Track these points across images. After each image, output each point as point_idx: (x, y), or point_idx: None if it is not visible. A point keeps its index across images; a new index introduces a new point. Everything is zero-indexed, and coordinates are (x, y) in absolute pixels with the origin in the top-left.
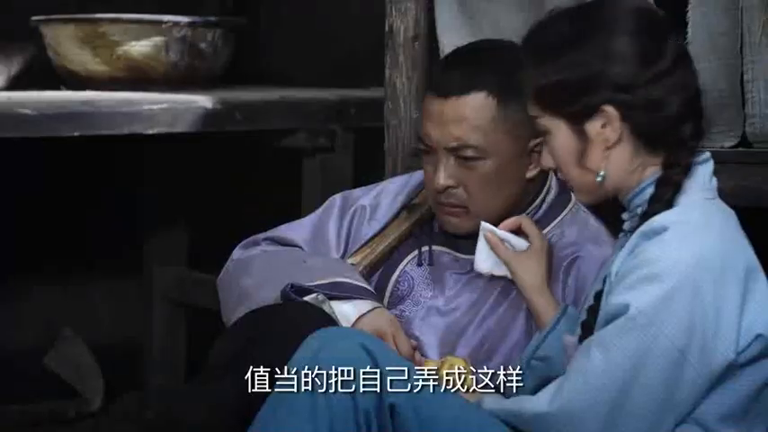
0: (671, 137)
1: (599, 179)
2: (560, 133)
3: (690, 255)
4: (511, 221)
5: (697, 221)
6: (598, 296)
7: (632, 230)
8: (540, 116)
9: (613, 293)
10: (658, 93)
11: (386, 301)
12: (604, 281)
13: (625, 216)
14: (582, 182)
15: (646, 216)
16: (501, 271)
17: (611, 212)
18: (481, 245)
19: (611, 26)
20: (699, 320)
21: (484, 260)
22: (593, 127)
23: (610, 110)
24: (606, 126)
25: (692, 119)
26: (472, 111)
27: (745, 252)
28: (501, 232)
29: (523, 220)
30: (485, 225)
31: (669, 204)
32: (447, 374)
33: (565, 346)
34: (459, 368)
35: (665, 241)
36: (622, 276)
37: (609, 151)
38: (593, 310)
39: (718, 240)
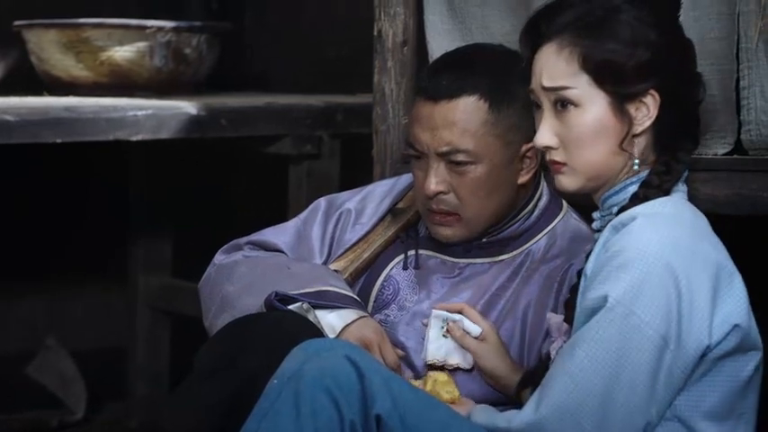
0: (680, 137)
1: (635, 167)
2: (596, 108)
3: (660, 239)
4: (453, 306)
5: (668, 213)
6: (580, 273)
7: (601, 229)
8: (575, 87)
9: (590, 289)
10: (694, 79)
11: (370, 305)
12: (579, 275)
13: (596, 215)
14: (590, 162)
15: (640, 198)
16: (455, 359)
17: None
18: (433, 333)
19: (664, 16)
20: (674, 303)
21: (436, 349)
22: (633, 109)
23: (656, 95)
24: (643, 111)
25: (698, 123)
26: (463, 114)
27: (717, 250)
28: (454, 316)
29: (464, 307)
30: (437, 312)
31: (667, 192)
32: (431, 390)
33: (549, 326)
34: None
35: (634, 230)
36: (597, 271)
37: (637, 138)
38: (576, 288)
39: (689, 232)
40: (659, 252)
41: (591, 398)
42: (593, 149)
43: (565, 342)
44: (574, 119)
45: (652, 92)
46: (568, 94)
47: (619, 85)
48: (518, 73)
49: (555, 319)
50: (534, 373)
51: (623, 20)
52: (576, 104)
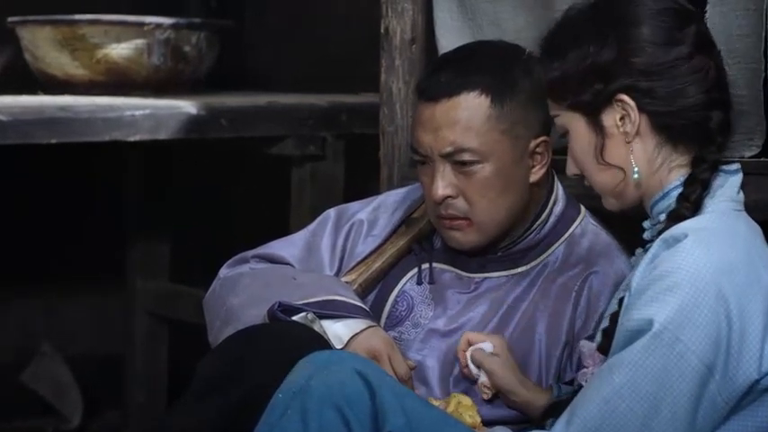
0: (695, 130)
1: (635, 176)
2: (578, 128)
3: (712, 262)
4: (462, 342)
5: (722, 229)
6: (621, 302)
7: (653, 239)
8: (558, 114)
9: (635, 307)
10: (675, 80)
11: (383, 321)
12: (620, 303)
13: (646, 224)
14: (607, 183)
15: (671, 218)
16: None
17: (623, 225)
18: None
19: (625, 15)
20: (724, 332)
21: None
22: (610, 119)
23: (626, 98)
24: (624, 118)
25: (717, 110)
26: (465, 112)
27: None
28: (482, 345)
29: (467, 334)
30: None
31: (697, 205)
32: (453, 412)
33: (581, 353)
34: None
35: (686, 249)
36: (643, 289)
37: (630, 146)
38: (616, 317)
39: (744, 251)
40: (711, 276)
41: (628, 425)
42: (593, 173)
43: None
44: (571, 145)
45: (620, 97)
46: (558, 124)
47: (579, 96)
48: (520, 65)
49: (587, 346)
50: (564, 404)
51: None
52: (566, 132)
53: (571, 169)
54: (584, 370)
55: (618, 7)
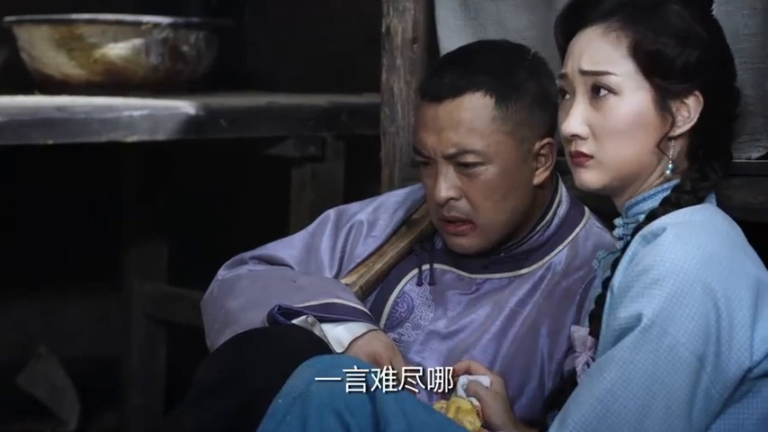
0: (714, 149)
1: (668, 171)
2: (637, 99)
3: (695, 254)
4: (461, 365)
5: (700, 222)
6: (599, 300)
7: (623, 237)
8: (617, 73)
9: (621, 305)
10: (731, 93)
11: (383, 323)
12: (605, 285)
13: (618, 222)
14: (621, 157)
15: (651, 217)
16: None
17: None
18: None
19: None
20: (713, 322)
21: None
22: (675, 107)
23: (699, 97)
24: (684, 113)
25: (732, 137)
26: (469, 112)
27: (755, 264)
28: (480, 378)
29: (470, 363)
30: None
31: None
32: (454, 417)
33: (572, 340)
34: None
35: (666, 242)
36: (627, 287)
37: (673, 141)
38: (602, 300)
39: (724, 241)
40: (695, 268)
41: (623, 423)
42: (627, 143)
43: (591, 358)
44: (611, 107)
45: (696, 93)
46: (609, 79)
47: (667, 78)
48: (525, 66)
49: (579, 332)
50: (560, 393)
51: (675, 12)
52: (615, 92)
53: (575, 128)
54: (577, 359)
55: (705, 6)
